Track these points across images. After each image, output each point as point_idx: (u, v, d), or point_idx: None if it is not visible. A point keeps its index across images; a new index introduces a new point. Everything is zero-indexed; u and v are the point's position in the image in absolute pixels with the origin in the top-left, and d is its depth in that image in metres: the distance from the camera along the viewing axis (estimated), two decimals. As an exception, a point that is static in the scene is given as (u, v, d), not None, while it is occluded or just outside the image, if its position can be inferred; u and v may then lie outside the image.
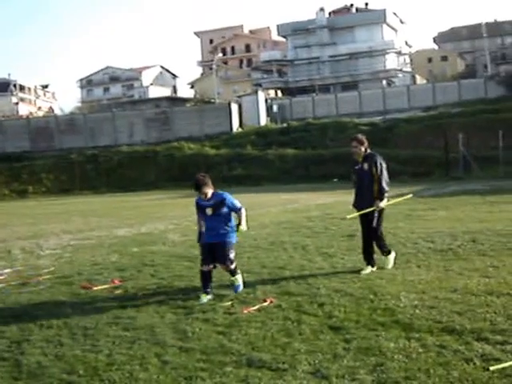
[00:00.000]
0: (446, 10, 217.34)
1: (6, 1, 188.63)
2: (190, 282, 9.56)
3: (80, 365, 5.98)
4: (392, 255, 10.04)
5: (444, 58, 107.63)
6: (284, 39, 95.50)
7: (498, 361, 5.39)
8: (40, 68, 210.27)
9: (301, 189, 35.21)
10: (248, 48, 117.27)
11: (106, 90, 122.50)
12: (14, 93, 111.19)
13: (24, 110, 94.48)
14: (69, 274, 11.05)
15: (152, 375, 5.61)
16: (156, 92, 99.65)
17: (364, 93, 63.31)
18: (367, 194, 9.73)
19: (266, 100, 63.97)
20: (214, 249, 8.60)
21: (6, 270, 11.70)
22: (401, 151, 42.42)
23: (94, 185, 48.23)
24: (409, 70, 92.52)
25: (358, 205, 10.03)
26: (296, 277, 9.57)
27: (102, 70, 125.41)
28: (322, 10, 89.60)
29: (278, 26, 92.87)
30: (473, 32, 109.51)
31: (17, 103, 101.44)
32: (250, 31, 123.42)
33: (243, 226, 8.72)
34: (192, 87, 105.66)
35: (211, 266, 8.61)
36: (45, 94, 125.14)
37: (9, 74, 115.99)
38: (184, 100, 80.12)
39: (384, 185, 9.63)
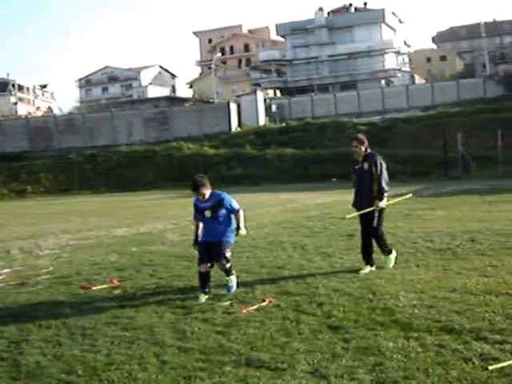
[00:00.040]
0: (445, 9, 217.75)
1: (4, 1, 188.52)
2: (188, 281, 9.55)
3: (79, 365, 5.98)
4: (393, 255, 10.04)
5: (443, 58, 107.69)
6: (283, 39, 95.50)
7: (497, 360, 5.39)
8: (38, 68, 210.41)
9: (300, 188, 35.21)
10: (247, 48, 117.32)
11: (105, 89, 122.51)
12: (13, 93, 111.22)
13: (23, 109, 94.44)
14: (67, 273, 11.04)
15: (151, 375, 5.61)
16: (155, 92, 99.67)
17: (363, 92, 63.32)
18: (367, 193, 9.74)
19: (265, 100, 64.00)
20: (210, 248, 8.59)
21: (5, 270, 11.69)
22: (399, 151, 42.43)
23: (92, 185, 48.21)
24: (407, 69, 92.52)
25: (357, 204, 10.03)
26: (295, 276, 9.57)
27: (100, 69, 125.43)
28: (320, 9, 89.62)
29: (276, 25, 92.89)
30: (471, 32, 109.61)
31: (15, 103, 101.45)
32: (249, 31, 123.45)
33: (242, 231, 8.70)
34: (191, 87, 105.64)
35: (208, 266, 8.59)
36: (43, 94, 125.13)
37: (7, 74, 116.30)
38: (183, 100, 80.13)
39: (384, 184, 9.64)
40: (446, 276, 8.97)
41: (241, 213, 8.67)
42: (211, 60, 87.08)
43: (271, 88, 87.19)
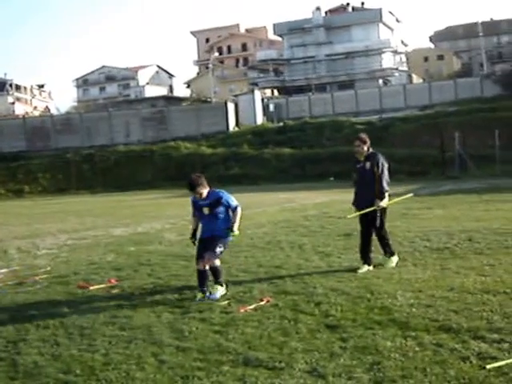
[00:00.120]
0: (442, 8, 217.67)
1: (3, 1, 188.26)
2: (186, 281, 9.55)
3: (76, 364, 5.98)
4: (395, 258, 10.04)
5: (440, 57, 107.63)
6: (280, 38, 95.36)
7: (495, 359, 5.39)
8: (36, 68, 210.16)
9: (297, 188, 35.21)
10: (244, 47, 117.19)
11: (102, 89, 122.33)
12: (10, 92, 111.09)
13: (20, 109, 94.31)
14: (65, 273, 11.04)
15: (149, 374, 5.61)
16: (152, 91, 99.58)
17: (360, 92, 63.29)
18: (368, 192, 9.77)
19: (263, 99, 63.95)
20: (207, 242, 8.58)
21: (3, 270, 11.68)
22: (397, 150, 42.36)
23: (90, 184, 48.15)
24: (405, 69, 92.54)
25: (358, 204, 10.07)
26: (293, 276, 9.58)
27: (97, 69, 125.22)
28: (318, 9, 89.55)
29: (274, 25, 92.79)
30: (469, 31, 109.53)
31: (13, 103, 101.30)
32: (247, 30, 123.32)
33: (235, 230, 8.59)
34: (188, 86, 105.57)
35: (205, 261, 8.56)
36: (41, 94, 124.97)
37: (5, 74, 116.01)
38: (180, 99, 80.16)
39: (384, 184, 9.69)
40: (444, 275, 8.98)
41: (238, 210, 8.64)
42: (209, 59, 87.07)
43: (269, 87, 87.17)
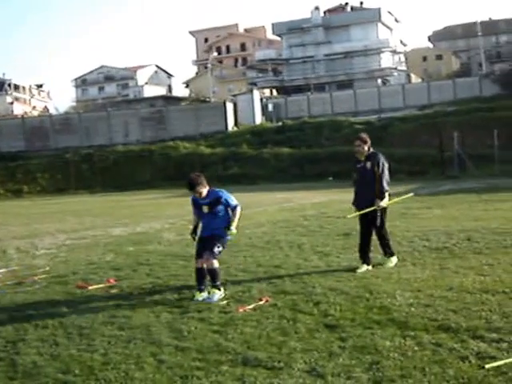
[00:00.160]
0: (441, 8, 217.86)
1: (1, 1, 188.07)
2: (185, 281, 9.54)
3: (75, 364, 5.97)
4: (394, 259, 10.05)
5: (439, 57, 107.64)
6: (279, 38, 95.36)
7: (494, 359, 5.40)
8: (34, 67, 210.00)
9: (296, 188, 35.20)
10: (243, 47, 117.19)
11: (101, 89, 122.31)
12: (9, 92, 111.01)
13: (19, 109, 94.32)
14: (64, 273, 11.03)
15: (148, 374, 5.61)
16: (151, 91, 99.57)
17: (359, 91, 63.32)
18: (368, 192, 9.79)
19: (261, 99, 63.95)
20: (207, 241, 8.58)
21: (1, 270, 11.67)
22: (396, 150, 42.32)
23: (89, 184, 48.13)
24: (404, 68, 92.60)
25: (358, 203, 10.08)
26: (292, 275, 9.58)
27: (96, 69, 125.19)
28: (317, 8, 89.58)
29: (272, 24, 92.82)
30: (468, 30, 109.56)
31: (11, 103, 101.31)
32: (245, 30, 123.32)
33: (233, 229, 8.55)
34: (187, 86, 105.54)
35: (202, 261, 8.57)
36: (39, 94, 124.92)
37: (3, 74, 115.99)
38: (179, 99, 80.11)
39: (385, 184, 9.72)
40: (443, 275, 8.98)
41: (238, 210, 8.62)
42: (207, 59, 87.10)
43: (267, 87, 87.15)
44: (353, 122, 51.99)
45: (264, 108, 61.39)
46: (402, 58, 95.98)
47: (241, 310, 7.58)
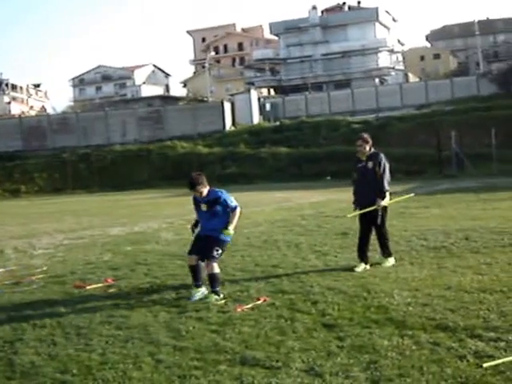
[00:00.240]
0: (438, 7, 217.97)
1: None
2: (183, 280, 9.53)
3: (73, 364, 5.97)
4: (392, 259, 10.07)
5: (436, 56, 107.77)
6: (276, 38, 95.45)
7: (492, 358, 5.40)
8: (32, 67, 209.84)
9: (294, 187, 35.19)
10: (240, 46, 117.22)
11: (99, 88, 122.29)
12: (6, 92, 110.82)
13: (16, 109, 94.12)
14: (62, 273, 11.02)
15: (146, 374, 5.61)
16: (148, 91, 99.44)
17: (357, 91, 63.33)
18: (369, 192, 9.83)
19: (259, 98, 63.96)
20: (203, 241, 8.55)
21: (-1, 270, 11.67)
22: (394, 149, 42.23)
23: (86, 184, 48.05)
24: (401, 68, 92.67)
25: (359, 203, 10.10)
26: (289, 275, 9.58)
27: (94, 68, 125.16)
28: (314, 8, 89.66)
29: (270, 24, 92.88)
30: (465, 30, 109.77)
31: (9, 102, 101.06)
32: (243, 29, 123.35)
33: (230, 230, 8.51)
34: (185, 86, 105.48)
35: (195, 258, 8.52)
36: (37, 93, 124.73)
37: (1, 73, 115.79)
38: (177, 99, 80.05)
39: (385, 183, 9.79)
40: (441, 274, 8.99)
41: (237, 211, 8.58)
42: (205, 59, 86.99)
43: (265, 87, 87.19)
44: (350, 122, 51.99)
45: (262, 107, 61.39)
46: (400, 58, 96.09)
47: (239, 310, 7.58)
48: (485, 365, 5.18)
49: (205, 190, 8.54)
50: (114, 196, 39.44)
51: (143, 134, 55.92)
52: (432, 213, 17.35)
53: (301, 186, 36.01)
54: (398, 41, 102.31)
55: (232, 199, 8.62)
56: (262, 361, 5.72)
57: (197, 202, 8.74)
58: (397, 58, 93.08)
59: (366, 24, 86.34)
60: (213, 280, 8.40)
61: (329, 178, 41.04)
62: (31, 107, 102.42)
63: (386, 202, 9.90)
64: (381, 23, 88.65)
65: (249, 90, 64.45)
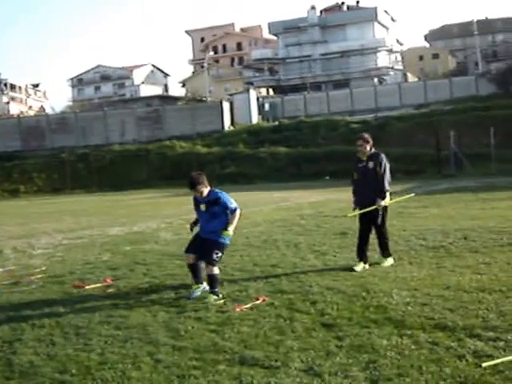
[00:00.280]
0: (437, 7, 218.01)
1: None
2: (182, 280, 9.53)
3: (72, 364, 5.97)
4: (391, 260, 10.07)
5: (435, 56, 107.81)
6: (275, 37, 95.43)
7: (491, 357, 5.40)
8: (31, 67, 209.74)
9: (293, 187, 35.19)
10: (239, 46, 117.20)
11: (97, 88, 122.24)
12: (5, 92, 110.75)
13: (15, 109, 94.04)
14: (61, 273, 11.01)
15: (145, 374, 5.60)
16: (147, 91, 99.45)
17: (356, 91, 63.36)
18: (370, 192, 9.84)
19: (258, 98, 63.97)
20: (201, 242, 8.55)
21: (-2, 270, 11.66)
22: (392, 149, 42.19)
23: (85, 184, 48.05)
24: (400, 67, 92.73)
25: (359, 203, 10.11)
26: (288, 275, 9.57)
27: (92, 68, 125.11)
28: (313, 8, 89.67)
29: (269, 24, 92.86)
30: (464, 30, 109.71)
31: (8, 102, 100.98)
32: (242, 29, 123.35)
33: (229, 231, 8.50)
34: (183, 86, 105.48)
35: (192, 257, 8.54)
36: (36, 93, 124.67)
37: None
38: (175, 98, 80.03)
39: (386, 183, 9.81)
40: (440, 273, 8.99)
41: (237, 212, 8.56)
42: (204, 59, 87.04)
43: (264, 86, 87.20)
44: (349, 122, 52.04)
45: (260, 107, 61.41)
46: (399, 57, 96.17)
47: (238, 310, 7.58)
48: (484, 364, 5.18)
49: (205, 190, 8.53)
50: (112, 196, 39.43)
51: (142, 134, 55.92)
52: (431, 212, 17.36)
53: (300, 185, 36.02)
54: (397, 41, 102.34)
55: (232, 201, 8.61)
56: (261, 360, 5.72)
57: (197, 202, 8.73)
58: (395, 58, 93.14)
59: (365, 24, 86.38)
60: (212, 281, 8.40)
61: (328, 177, 41.05)
62: (30, 107, 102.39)
63: (386, 201, 9.91)
64: (379, 23, 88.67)
65: (248, 90, 64.47)
